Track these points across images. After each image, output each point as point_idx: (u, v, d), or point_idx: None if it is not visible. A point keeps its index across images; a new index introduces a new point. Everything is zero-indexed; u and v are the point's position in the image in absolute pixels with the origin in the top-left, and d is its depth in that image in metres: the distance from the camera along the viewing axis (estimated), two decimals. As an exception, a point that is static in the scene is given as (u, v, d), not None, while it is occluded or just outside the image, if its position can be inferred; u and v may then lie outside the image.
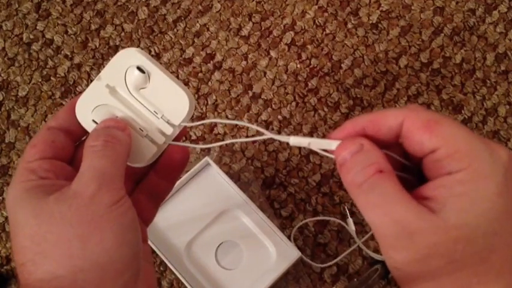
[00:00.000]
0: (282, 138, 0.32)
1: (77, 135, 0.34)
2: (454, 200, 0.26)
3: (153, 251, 0.53)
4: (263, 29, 0.64)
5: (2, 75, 0.63)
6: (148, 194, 0.36)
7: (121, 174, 0.31)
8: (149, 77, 0.33)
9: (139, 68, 0.33)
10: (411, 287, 0.27)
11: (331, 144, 0.30)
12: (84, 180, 0.29)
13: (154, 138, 0.34)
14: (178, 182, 0.54)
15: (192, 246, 0.53)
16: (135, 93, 0.34)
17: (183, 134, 0.36)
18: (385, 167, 0.28)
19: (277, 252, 0.52)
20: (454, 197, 0.26)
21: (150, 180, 0.36)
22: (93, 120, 0.33)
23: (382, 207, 0.27)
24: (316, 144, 0.32)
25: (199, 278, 0.52)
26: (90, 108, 0.34)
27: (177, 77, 0.62)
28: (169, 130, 0.33)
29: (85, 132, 0.34)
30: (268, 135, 0.32)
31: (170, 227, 0.54)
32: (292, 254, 0.51)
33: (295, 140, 0.32)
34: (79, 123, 0.34)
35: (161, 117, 0.33)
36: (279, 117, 0.61)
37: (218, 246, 0.53)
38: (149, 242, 0.48)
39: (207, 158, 0.54)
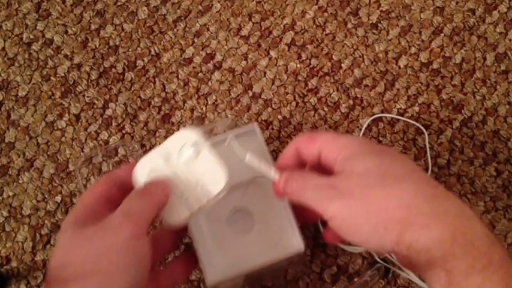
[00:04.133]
0: (239, 151, 0.44)
1: (128, 190, 0.41)
2: (344, 164, 0.39)
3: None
4: (263, 29, 0.64)
5: (2, 75, 0.63)
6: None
7: (147, 217, 0.38)
8: (199, 153, 0.41)
9: (192, 146, 0.41)
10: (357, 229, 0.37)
11: (271, 173, 0.43)
12: (114, 214, 0.37)
13: (190, 205, 0.40)
14: (220, 137, 0.52)
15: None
16: (185, 164, 0.41)
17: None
18: (293, 168, 0.44)
19: (284, 238, 0.49)
20: (343, 163, 0.39)
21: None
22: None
23: (307, 185, 0.39)
24: (263, 169, 0.43)
25: (205, 231, 0.50)
26: (146, 171, 0.41)
27: (177, 77, 0.62)
28: (203, 201, 0.40)
29: None
30: (247, 158, 0.44)
31: None
32: (297, 244, 0.49)
33: (250, 158, 0.43)
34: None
35: (200, 189, 0.41)
36: (279, 117, 0.61)
37: (235, 211, 0.51)
38: None
39: (254, 125, 0.53)
